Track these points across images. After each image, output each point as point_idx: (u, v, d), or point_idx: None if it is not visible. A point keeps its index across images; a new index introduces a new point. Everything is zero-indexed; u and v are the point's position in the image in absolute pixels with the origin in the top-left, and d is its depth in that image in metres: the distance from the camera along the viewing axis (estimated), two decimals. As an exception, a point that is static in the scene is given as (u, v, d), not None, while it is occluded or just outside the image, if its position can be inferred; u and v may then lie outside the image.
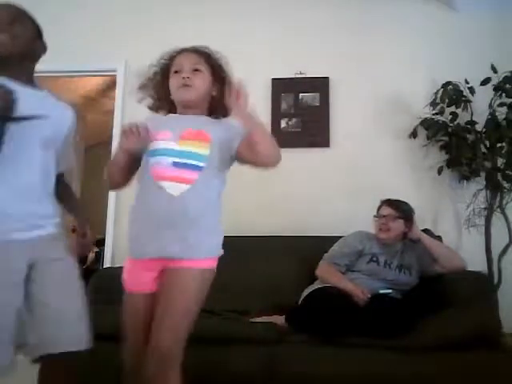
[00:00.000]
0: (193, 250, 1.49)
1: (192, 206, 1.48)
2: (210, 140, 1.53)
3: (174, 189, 1.48)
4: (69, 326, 1.44)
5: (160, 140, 1.54)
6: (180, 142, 1.52)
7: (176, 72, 1.61)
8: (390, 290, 2.38)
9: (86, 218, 1.82)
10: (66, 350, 1.40)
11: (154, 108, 1.70)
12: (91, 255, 5.30)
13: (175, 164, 1.50)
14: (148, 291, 1.54)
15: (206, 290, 1.56)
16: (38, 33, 1.53)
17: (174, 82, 1.60)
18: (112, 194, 3.40)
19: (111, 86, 4.21)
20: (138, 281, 1.56)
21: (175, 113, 1.65)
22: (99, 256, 4.81)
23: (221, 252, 1.60)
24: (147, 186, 1.54)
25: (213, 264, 1.57)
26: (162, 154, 1.52)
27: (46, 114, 1.41)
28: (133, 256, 1.57)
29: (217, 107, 1.65)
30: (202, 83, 1.60)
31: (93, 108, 5.03)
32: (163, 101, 1.67)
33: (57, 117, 1.51)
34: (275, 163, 1.57)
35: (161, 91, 1.66)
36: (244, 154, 1.56)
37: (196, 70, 1.60)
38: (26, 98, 1.34)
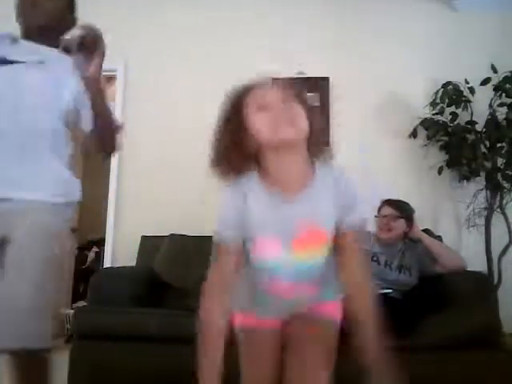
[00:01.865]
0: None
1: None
2: (326, 237, 1.21)
3: (295, 302, 1.29)
4: (13, 319, 1.20)
5: (267, 252, 1.22)
6: (294, 252, 1.21)
7: (262, 109, 1.19)
8: (389, 290, 2.38)
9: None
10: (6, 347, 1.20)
11: (233, 176, 1.31)
12: (91, 255, 5.30)
13: (295, 281, 1.24)
14: (274, 328, 1.34)
15: None
16: (69, 5, 1.54)
17: (260, 121, 1.18)
18: (112, 194, 3.40)
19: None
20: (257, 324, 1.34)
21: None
22: (99, 256, 4.81)
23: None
24: (258, 290, 1.29)
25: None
26: (275, 273, 1.23)
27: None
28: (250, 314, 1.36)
29: (313, 149, 1.23)
30: (303, 119, 1.17)
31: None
32: (241, 160, 1.25)
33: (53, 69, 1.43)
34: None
35: (239, 146, 1.24)
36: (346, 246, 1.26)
37: (290, 106, 1.18)
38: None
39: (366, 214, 1.28)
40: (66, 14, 1.54)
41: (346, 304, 1.29)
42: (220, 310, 1.24)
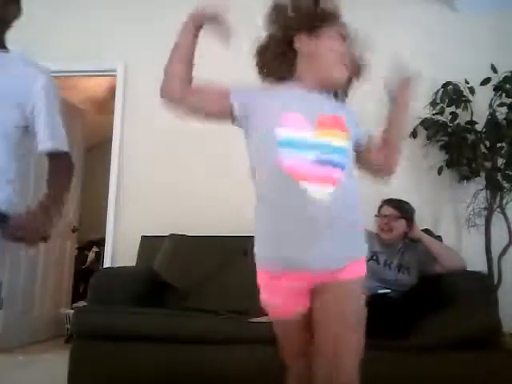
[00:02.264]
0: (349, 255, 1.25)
1: (338, 211, 1.22)
2: (346, 129, 1.30)
3: (317, 192, 1.20)
4: None
5: (292, 126, 1.24)
6: (318, 130, 1.24)
7: (340, 38, 1.38)
8: (388, 290, 2.37)
9: (56, 197, 1.42)
10: None
11: (266, 71, 1.42)
12: (91, 255, 5.30)
13: (318, 161, 1.21)
14: (300, 311, 1.27)
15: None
16: None
17: (335, 49, 1.35)
18: (112, 194, 3.40)
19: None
20: (286, 301, 1.28)
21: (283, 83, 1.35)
22: (99, 256, 4.82)
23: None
24: (279, 183, 1.23)
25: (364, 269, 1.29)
26: (299, 147, 1.22)
27: None
28: (277, 267, 1.26)
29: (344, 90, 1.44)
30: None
31: (96, 108, 5.03)
32: (281, 63, 1.37)
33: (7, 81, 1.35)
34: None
35: (284, 49, 1.36)
36: (365, 159, 1.40)
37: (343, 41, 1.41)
38: None
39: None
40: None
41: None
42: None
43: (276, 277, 1.26)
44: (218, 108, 1.36)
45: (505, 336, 2.26)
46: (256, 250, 1.30)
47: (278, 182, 1.23)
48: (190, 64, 1.37)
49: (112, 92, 3.80)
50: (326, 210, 1.20)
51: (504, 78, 2.92)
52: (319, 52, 1.34)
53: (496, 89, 2.94)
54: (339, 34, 1.39)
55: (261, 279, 1.31)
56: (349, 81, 1.43)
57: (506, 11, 3.28)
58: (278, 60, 1.37)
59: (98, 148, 5.24)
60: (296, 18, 1.35)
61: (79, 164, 4.51)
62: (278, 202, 1.24)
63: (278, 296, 1.29)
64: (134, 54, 3.51)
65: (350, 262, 1.23)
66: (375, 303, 2.26)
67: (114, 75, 3.57)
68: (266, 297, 1.31)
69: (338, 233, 1.22)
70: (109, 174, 3.41)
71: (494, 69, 2.93)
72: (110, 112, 3.57)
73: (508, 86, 2.91)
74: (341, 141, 1.27)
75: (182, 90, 1.37)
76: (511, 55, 3.16)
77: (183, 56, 1.37)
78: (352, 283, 1.23)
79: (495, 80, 2.94)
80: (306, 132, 1.24)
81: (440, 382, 2.02)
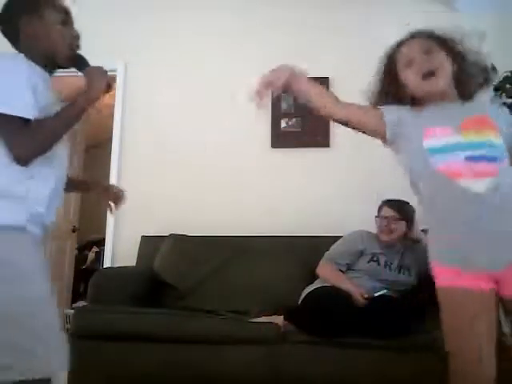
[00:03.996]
0: None
1: (505, 198, 1.29)
2: (495, 126, 1.35)
3: (478, 185, 1.28)
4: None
5: (439, 135, 1.35)
6: (463, 132, 1.34)
7: (409, 64, 1.43)
8: (385, 291, 2.36)
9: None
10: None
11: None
12: (91, 255, 5.31)
13: (469, 158, 1.30)
14: (486, 289, 1.31)
15: None
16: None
17: (411, 75, 1.42)
18: (112, 194, 3.40)
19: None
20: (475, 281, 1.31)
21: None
22: (99, 256, 4.82)
23: None
24: (440, 188, 1.34)
25: None
26: (450, 150, 1.32)
27: None
28: (456, 265, 1.33)
29: (463, 88, 1.44)
30: (445, 63, 1.40)
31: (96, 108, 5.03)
32: (393, 98, 1.48)
33: None
34: None
35: (390, 88, 1.49)
36: None
37: (427, 52, 1.41)
38: None
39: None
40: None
41: None
42: None
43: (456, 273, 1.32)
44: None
45: (505, 336, 2.25)
46: (434, 251, 1.39)
47: (432, 184, 1.36)
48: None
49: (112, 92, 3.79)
50: (487, 201, 1.27)
51: (504, 78, 2.92)
52: None
53: (496, 89, 2.94)
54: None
55: (440, 274, 1.37)
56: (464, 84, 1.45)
57: (506, 11, 3.29)
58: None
59: (97, 148, 5.25)
60: None
61: (79, 164, 4.51)
62: (439, 202, 1.35)
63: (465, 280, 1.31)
64: (134, 54, 3.51)
65: None
66: (375, 304, 2.27)
67: (114, 75, 3.57)
68: (449, 282, 1.35)
69: (505, 223, 1.28)
70: (109, 174, 3.41)
71: (494, 69, 2.93)
72: (110, 112, 3.57)
73: (508, 85, 2.91)
74: (489, 136, 1.33)
75: None
76: (511, 55, 3.16)
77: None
78: None
79: (495, 80, 2.94)
80: (453, 137, 1.33)
81: (440, 381, 2.02)
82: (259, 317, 2.40)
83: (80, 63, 1.55)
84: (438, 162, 1.33)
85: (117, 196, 1.80)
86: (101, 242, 4.11)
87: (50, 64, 1.49)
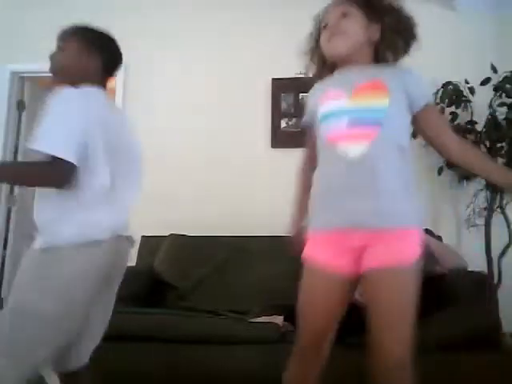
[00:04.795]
0: (392, 218, 1.27)
1: (376, 166, 1.27)
2: (387, 88, 1.32)
3: (352, 150, 1.28)
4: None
5: (331, 100, 1.35)
6: (353, 97, 1.32)
7: (324, 27, 1.40)
8: None
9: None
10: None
11: (317, 76, 1.48)
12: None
13: (350, 122, 1.29)
14: (344, 273, 1.31)
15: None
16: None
17: (322, 39, 1.39)
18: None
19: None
20: (328, 256, 1.32)
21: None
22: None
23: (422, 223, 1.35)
24: (325, 155, 1.36)
25: (420, 239, 1.29)
26: (335, 115, 1.32)
27: None
28: (316, 227, 1.36)
29: (384, 53, 1.41)
30: (352, 28, 1.36)
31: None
32: (322, 68, 1.46)
33: None
34: None
35: (317, 57, 1.46)
36: (423, 126, 1.42)
37: (343, 15, 1.37)
38: None
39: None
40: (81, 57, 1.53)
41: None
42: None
43: (328, 235, 1.33)
44: None
45: (505, 336, 2.26)
46: (311, 216, 1.40)
47: (324, 151, 1.36)
48: None
49: (112, 92, 3.79)
50: (361, 165, 1.26)
51: (504, 78, 2.92)
52: None
53: (496, 89, 2.94)
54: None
55: (312, 239, 1.38)
56: (387, 49, 1.41)
57: (506, 11, 3.29)
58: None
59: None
60: None
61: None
62: (325, 169, 1.36)
63: (328, 251, 1.32)
64: (134, 54, 3.50)
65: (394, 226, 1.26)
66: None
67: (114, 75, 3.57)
68: (311, 253, 1.36)
69: (376, 189, 1.27)
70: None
71: (494, 69, 2.93)
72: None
73: (508, 85, 2.91)
74: (377, 100, 1.31)
75: None
76: (511, 55, 3.16)
77: None
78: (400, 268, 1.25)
79: (495, 80, 2.94)
80: (341, 101, 1.32)
81: (440, 381, 2.02)
82: (259, 317, 2.40)
83: None
84: (325, 130, 1.34)
85: None
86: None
87: None
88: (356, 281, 1.32)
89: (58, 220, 1.34)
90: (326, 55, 1.40)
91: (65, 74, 1.52)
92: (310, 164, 1.46)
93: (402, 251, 1.25)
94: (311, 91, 1.49)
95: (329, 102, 1.35)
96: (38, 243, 1.33)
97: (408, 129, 1.40)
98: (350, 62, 1.37)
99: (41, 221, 1.37)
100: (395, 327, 1.24)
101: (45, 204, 1.37)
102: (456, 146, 1.37)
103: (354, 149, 1.27)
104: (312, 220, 1.39)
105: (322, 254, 1.32)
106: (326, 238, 1.33)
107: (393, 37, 1.38)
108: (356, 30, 1.35)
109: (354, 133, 1.29)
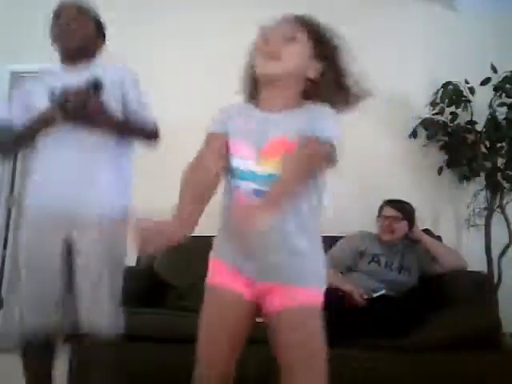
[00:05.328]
0: (297, 276, 1.23)
1: (286, 232, 1.20)
2: (290, 150, 1.18)
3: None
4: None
5: (239, 157, 1.23)
6: (260, 160, 1.20)
7: (265, 42, 1.25)
8: (383, 291, 2.36)
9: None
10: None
11: (247, 97, 1.35)
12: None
13: (256, 192, 1.19)
14: (244, 295, 1.25)
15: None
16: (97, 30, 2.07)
17: (258, 55, 1.25)
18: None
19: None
20: (227, 280, 1.26)
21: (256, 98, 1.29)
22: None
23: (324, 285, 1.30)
24: (231, 210, 1.25)
25: (319, 298, 1.27)
26: (242, 178, 1.22)
27: None
28: (222, 259, 1.31)
29: (314, 96, 1.25)
30: (294, 58, 1.21)
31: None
32: (250, 85, 1.32)
33: None
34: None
35: (249, 73, 1.31)
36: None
37: (290, 38, 1.23)
38: None
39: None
40: (95, 38, 1.94)
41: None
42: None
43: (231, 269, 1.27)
44: None
45: (505, 336, 2.26)
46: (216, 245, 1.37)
47: (227, 201, 1.29)
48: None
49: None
50: (271, 234, 1.16)
51: (504, 77, 2.92)
52: None
53: (496, 89, 2.94)
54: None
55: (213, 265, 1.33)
56: (318, 94, 1.25)
57: (506, 12, 3.28)
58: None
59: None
60: None
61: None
62: (227, 222, 1.33)
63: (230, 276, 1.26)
64: (134, 54, 3.50)
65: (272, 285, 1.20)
66: (375, 304, 2.27)
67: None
68: (213, 279, 1.30)
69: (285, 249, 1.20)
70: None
71: (494, 69, 2.93)
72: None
73: (508, 85, 2.91)
74: (278, 166, 1.17)
75: None
76: (511, 55, 3.16)
77: None
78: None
79: (495, 80, 2.94)
80: (248, 162, 1.21)
81: (440, 381, 2.02)
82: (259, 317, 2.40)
83: None
84: (235, 184, 1.24)
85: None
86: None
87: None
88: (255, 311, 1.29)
89: None
90: (258, 74, 1.25)
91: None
92: (204, 173, 1.28)
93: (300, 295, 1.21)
94: (228, 109, 1.35)
95: (238, 157, 1.23)
96: None
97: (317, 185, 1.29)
98: (275, 87, 1.23)
99: None
100: (300, 370, 1.18)
101: None
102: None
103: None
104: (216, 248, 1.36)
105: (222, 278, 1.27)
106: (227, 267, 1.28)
107: (331, 90, 1.25)
108: (297, 62, 1.22)
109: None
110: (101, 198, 1.70)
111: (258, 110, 1.26)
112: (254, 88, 1.29)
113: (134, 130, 1.86)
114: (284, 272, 1.21)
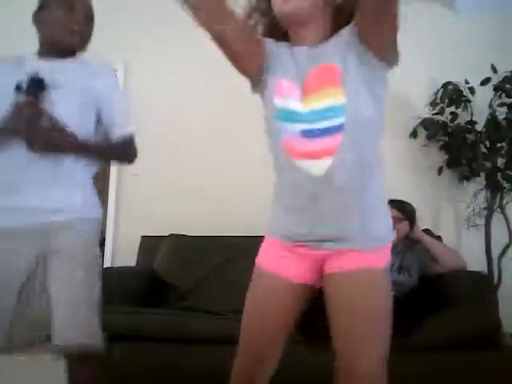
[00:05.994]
0: (364, 238, 1.14)
1: (345, 184, 1.11)
2: (339, 76, 1.10)
3: (315, 168, 1.11)
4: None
5: (280, 97, 1.15)
6: (305, 99, 1.12)
7: None
8: None
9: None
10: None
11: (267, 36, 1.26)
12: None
13: (305, 134, 1.11)
14: (298, 280, 1.20)
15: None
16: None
17: None
18: (112, 194, 3.40)
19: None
20: (283, 264, 1.21)
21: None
22: (99, 256, 4.81)
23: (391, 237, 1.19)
24: (282, 163, 1.19)
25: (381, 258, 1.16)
26: (287, 120, 1.13)
27: None
28: (276, 238, 1.24)
29: (344, 19, 1.16)
30: None
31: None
32: (273, 29, 1.23)
33: None
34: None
35: (267, 20, 1.23)
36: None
37: None
38: None
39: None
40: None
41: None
42: None
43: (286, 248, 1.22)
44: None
45: (505, 336, 2.26)
46: (270, 223, 1.28)
47: (277, 156, 1.20)
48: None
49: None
50: (325, 187, 1.11)
51: (504, 77, 2.91)
52: None
53: (496, 89, 2.94)
54: None
55: (268, 245, 1.27)
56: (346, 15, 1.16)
57: (506, 12, 3.28)
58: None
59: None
60: None
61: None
62: (285, 182, 1.22)
63: (284, 260, 1.21)
64: (134, 54, 3.50)
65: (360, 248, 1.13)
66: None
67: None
68: (264, 259, 1.26)
69: (343, 212, 1.13)
70: (109, 174, 3.41)
71: (494, 69, 2.93)
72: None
73: (508, 85, 2.91)
74: (332, 99, 1.09)
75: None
76: (511, 55, 3.16)
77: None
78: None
79: (495, 80, 2.94)
80: (292, 102, 1.13)
81: (440, 381, 2.02)
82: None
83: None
84: (279, 133, 1.16)
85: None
86: (101, 242, 4.10)
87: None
88: (311, 290, 1.25)
89: None
90: (278, 15, 1.16)
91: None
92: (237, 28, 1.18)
93: (367, 259, 1.14)
94: (270, 44, 1.23)
95: (281, 98, 1.15)
96: None
97: (378, 95, 1.16)
98: (305, 25, 1.15)
99: None
100: (361, 338, 1.11)
101: None
102: None
103: (316, 167, 1.11)
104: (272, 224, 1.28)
105: (278, 260, 1.23)
106: (285, 245, 1.23)
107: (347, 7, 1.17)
108: None
109: (312, 148, 1.11)
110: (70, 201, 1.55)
111: (294, 47, 1.18)
112: (282, 35, 1.21)
113: (100, 154, 1.66)
114: (348, 238, 1.14)
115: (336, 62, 1.11)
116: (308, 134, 1.11)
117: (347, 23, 1.16)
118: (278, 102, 1.15)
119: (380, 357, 1.11)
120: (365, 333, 1.11)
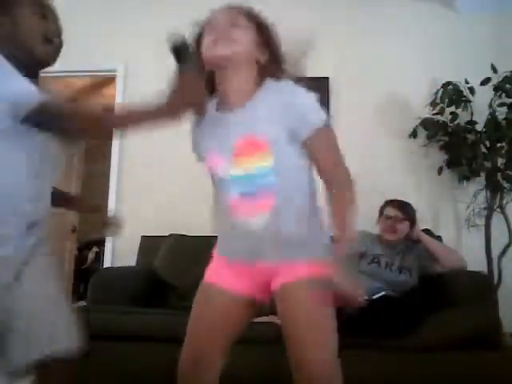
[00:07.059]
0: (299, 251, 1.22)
1: (284, 231, 1.21)
2: (267, 144, 1.18)
3: (255, 222, 1.21)
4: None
5: (215, 167, 1.27)
6: (235, 162, 1.21)
7: (210, 30, 1.23)
8: (383, 293, 2.35)
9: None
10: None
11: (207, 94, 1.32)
12: (91, 255, 5.31)
13: (242, 195, 1.21)
14: (241, 294, 1.30)
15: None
16: None
17: (206, 41, 1.21)
18: (112, 194, 3.40)
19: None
20: (226, 278, 1.31)
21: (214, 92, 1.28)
22: (99, 256, 4.82)
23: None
24: (224, 214, 1.29)
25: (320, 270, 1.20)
26: (224, 186, 1.25)
27: None
28: (222, 256, 1.36)
29: (271, 64, 1.24)
30: (243, 37, 1.21)
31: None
32: (207, 84, 1.27)
33: None
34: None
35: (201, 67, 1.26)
36: (315, 152, 1.24)
37: (233, 25, 1.21)
38: None
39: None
40: None
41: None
42: None
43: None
44: None
45: (505, 336, 2.26)
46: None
47: (222, 211, 1.31)
48: None
49: (112, 97, 3.79)
50: (264, 236, 1.21)
51: (504, 77, 2.92)
52: None
53: (496, 89, 2.94)
54: None
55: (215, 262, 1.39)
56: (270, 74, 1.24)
57: (506, 12, 3.29)
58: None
59: (98, 148, 5.24)
60: None
61: (80, 160, 4.51)
62: (224, 229, 1.35)
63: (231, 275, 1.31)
64: (134, 54, 3.51)
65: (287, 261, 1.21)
66: (375, 304, 2.26)
67: (114, 75, 3.57)
68: (212, 274, 1.37)
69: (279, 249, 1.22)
70: (109, 174, 3.41)
71: (494, 69, 2.93)
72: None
73: (508, 85, 2.91)
74: (260, 162, 1.18)
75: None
76: (511, 55, 3.16)
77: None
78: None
79: (495, 80, 2.94)
80: (225, 169, 1.23)
81: (440, 381, 2.02)
82: (259, 317, 2.40)
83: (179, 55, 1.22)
84: (222, 192, 1.27)
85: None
86: (101, 242, 4.11)
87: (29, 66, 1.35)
88: (255, 304, 1.34)
89: None
90: (205, 60, 1.21)
91: None
92: None
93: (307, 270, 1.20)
94: (193, 130, 1.42)
95: (215, 169, 1.27)
96: None
97: (304, 167, 1.26)
98: (231, 72, 1.21)
99: None
100: (310, 345, 1.19)
101: None
102: (332, 178, 1.36)
103: (255, 221, 1.21)
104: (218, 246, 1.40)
105: (224, 276, 1.32)
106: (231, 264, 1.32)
107: (275, 57, 1.25)
108: (247, 41, 1.21)
109: (250, 205, 1.21)
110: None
111: (218, 113, 1.26)
112: (211, 83, 1.27)
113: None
114: (284, 250, 1.23)
115: (264, 131, 1.18)
116: (243, 194, 1.21)
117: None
118: (212, 169, 1.29)
119: (325, 361, 1.20)
120: (306, 341, 1.19)
